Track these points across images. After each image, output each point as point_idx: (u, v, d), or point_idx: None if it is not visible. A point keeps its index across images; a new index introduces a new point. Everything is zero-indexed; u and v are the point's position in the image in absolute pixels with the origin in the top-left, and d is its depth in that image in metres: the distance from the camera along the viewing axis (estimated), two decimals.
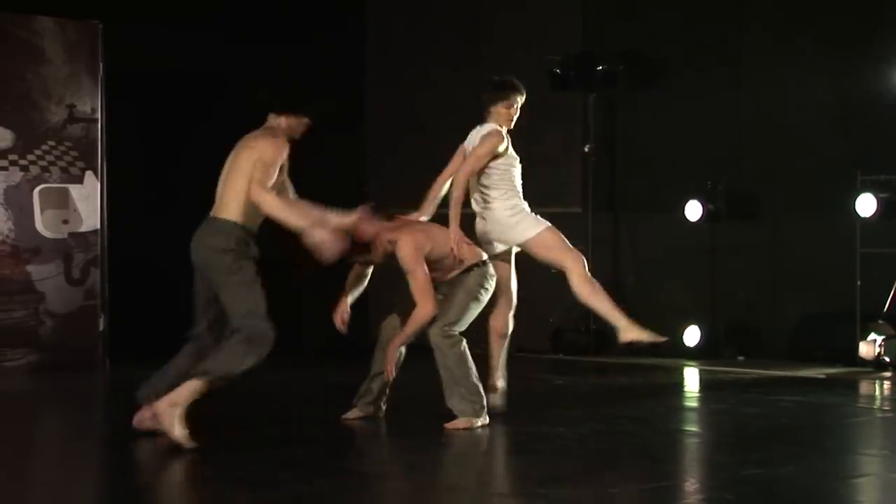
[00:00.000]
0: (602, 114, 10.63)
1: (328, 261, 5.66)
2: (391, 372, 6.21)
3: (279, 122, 5.97)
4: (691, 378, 9.06)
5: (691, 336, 10.11)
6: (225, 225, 5.76)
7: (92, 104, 9.26)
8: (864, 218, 9.27)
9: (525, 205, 6.56)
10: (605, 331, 10.67)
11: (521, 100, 6.57)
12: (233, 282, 5.67)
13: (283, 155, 5.84)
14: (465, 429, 6.03)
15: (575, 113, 10.63)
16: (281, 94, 6.07)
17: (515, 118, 6.59)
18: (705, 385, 8.58)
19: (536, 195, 10.60)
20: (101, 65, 9.26)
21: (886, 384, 8.38)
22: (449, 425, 6.06)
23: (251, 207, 5.73)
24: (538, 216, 6.55)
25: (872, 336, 8.97)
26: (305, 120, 6.00)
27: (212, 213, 5.88)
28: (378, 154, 11.49)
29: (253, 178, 5.69)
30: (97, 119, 9.28)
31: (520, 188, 6.57)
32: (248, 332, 5.60)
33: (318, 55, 10.43)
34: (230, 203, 5.77)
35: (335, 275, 6.36)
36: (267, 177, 5.71)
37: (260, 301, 5.67)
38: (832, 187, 9.51)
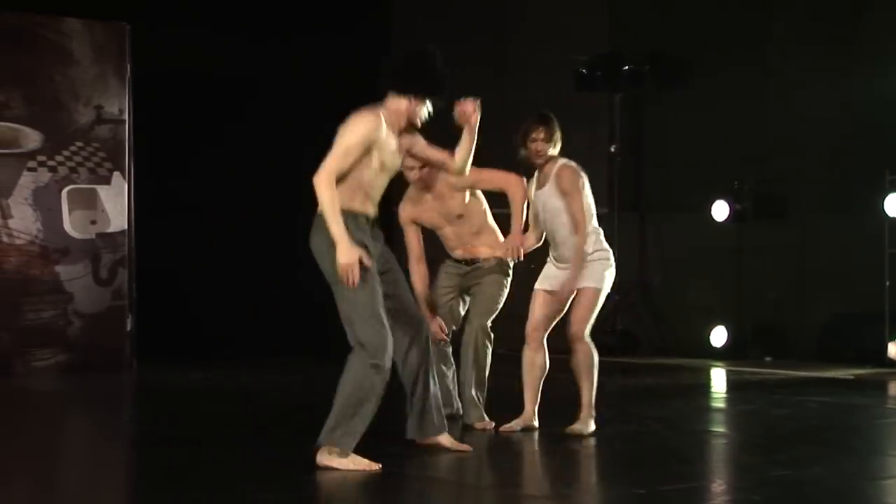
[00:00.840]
0: (628, 114, 10.62)
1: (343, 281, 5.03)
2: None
3: (399, 104, 5.21)
4: (718, 379, 9.04)
5: (718, 336, 10.09)
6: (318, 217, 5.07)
7: (119, 105, 9.29)
8: (893, 218, 9.22)
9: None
10: (632, 331, 10.71)
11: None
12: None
13: (371, 136, 5.09)
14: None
15: (601, 113, 10.62)
16: (405, 72, 5.25)
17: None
18: (732, 386, 8.56)
19: None
20: (128, 66, 9.29)
21: None
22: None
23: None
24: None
25: None
26: (426, 103, 5.24)
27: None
28: None
29: (325, 159, 5.03)
30: (125, 120, 9.31)
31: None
32: None
33: (342, 55, 10.44)
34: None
35: None
36: (337, 159, 5.04)
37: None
38: (860, 187, 9.47)
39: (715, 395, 8.32)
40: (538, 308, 6.02)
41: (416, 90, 5.20)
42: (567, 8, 10.89)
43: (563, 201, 5.92)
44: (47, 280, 9.01)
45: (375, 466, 5.05)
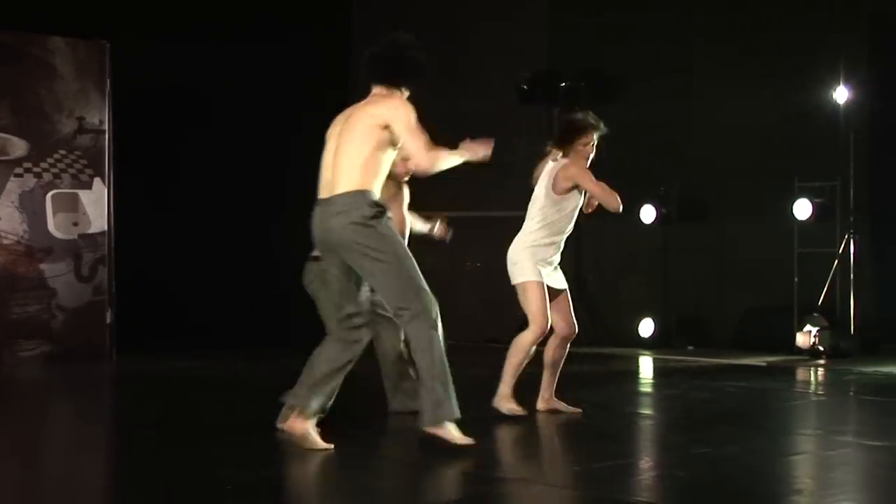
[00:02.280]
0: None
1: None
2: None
3: (393, 94, 5.05)
4: (646, 366, 9.11)
5: (646, 328, 10.16)
6: (350, 197, 4.85)
7: (100, 116, 9.23)
8: (801, 221, 9.36)
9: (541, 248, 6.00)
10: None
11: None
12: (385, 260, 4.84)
13: (414, 114, 4.91)
14: None
15: (541, 125, 10.67)
16: (399, 63, 5.05)
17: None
18: (658, 372, 8.63)
19: (506, 201, 10.68)
20: (108, 81, 9.24)
21: (821, 371, 8.45)
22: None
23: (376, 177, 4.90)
24: (536, 267, 5.97)
25: (808, 327, 9.06)
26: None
27: (328, 195, 4.94)
28: None
29: (409, 148, 4.85)
30: (105, 130, 9.25)
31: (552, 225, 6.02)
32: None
33: (307, 64, 10.44)
34: (350, 176, 4.88)
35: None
36: (420, 136, 4.86)
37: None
38: (773, 193, 9.59)
39: (643, 381, 8.39)
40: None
41: (404, 78, 5.06)
42: (511, 28, 10.93)
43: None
44: (32, 277, 8.93)
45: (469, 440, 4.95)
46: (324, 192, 5.00)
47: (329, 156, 5.03)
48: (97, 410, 7.08)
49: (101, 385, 8.33)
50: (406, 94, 5.10)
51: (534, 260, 5.97)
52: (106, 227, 9.25)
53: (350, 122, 4.98)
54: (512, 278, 6.02)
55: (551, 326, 6.05)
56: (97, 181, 9.24)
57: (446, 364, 4.98)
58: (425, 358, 4.89)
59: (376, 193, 4.94)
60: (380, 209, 4.90)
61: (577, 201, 6.09)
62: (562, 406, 6.25)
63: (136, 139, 9.61)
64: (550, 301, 6.03)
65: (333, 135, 5.06)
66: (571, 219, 6.10)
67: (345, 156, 4.92)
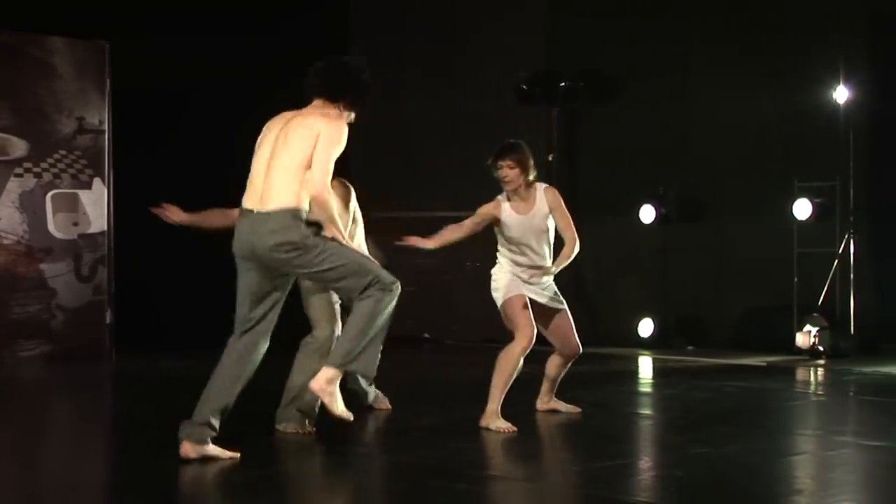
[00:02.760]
0: (565, 126, 10.67)
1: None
2: None
3: (331, 111, 4.98)
4: (645, 366, 9.11)
5: (645, 328, 10.16)
6: (285, 216, 4.79)
7: (100, 117, 9.24)
8: (801, 221, 9.36)
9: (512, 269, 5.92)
10: None
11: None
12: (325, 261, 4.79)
13: (344, 143, 4.85)
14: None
15: (540, 125, 10.67)
16: (345, 81, 4.99)
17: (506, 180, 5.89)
18: (657, 372, 8.64)
19: None
20: (108, 81, 9.24)
21: (820, 371, 8.46)
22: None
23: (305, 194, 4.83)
24: (512, 282, 5.88)
25: (808, 327, 9.05)
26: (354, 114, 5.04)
27: (259, 207, 4.86)
28: (359, 162, 11.47)
29: (316, 167, 4.77)
30: (104, 130, 9.26)
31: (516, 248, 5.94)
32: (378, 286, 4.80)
33: (306, 64, 10.44)
34: (285, 190, 4.81)
35: None
36: (330, 168, 4.80)
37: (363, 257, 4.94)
38: (772, 193, 9.59)
39: (642, 381, 8.39)
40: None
41: (347, 97, 4.98)
42: (510, 28, 10.93)
43: (551, 218, 5.90)
44: (33, 277, 8.94)
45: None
46: (253, 202, 4.90)
47: (261, 163, 4.94)
48: (97, 410, 7.09)
49: (100, 385, 8.34)
50: (350, 116, 5.03)
51: (507, 277, 5.89)
52: (106, 227, 9.26)
53: (286, 132, 4.90)
54: (497, 303, 5.96)
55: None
56: (97, 181, 9.24)
57: (382, 331, 4.90)
58: (365, 317, 4.82)
59: (307, 208, 4.86)
60: (313, 228, 4.85)
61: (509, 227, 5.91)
62: (561, 406, 6.26)
63: (136, 139, 9.61)
64: (548, 322, 5.98)
65: (267, 141, 4.97)
66: (522, 241, 5.89)
67: (280, 168, 4.84)
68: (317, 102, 5.02)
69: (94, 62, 9.23)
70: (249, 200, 4.93)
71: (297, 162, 4.82)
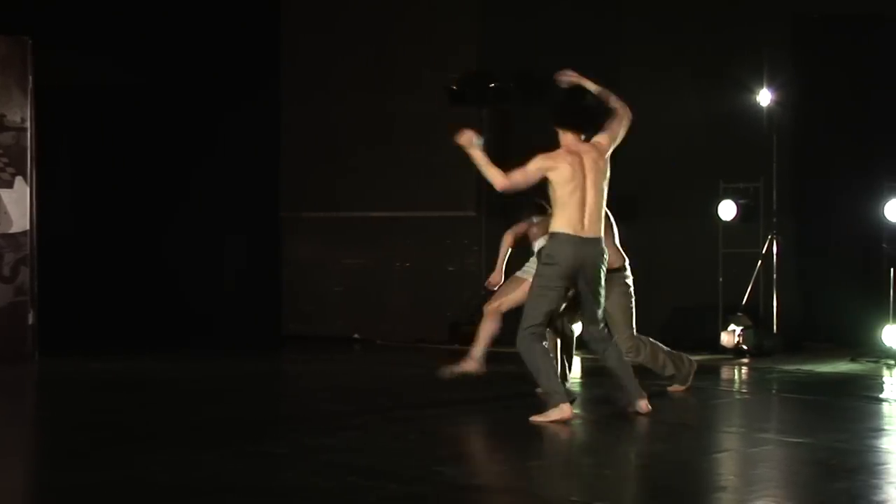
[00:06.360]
0: (496, 126, 10.72)
1: None
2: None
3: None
4: (574, 365, 9.16)
5: (575, 328, 10.22)
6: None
7: (22, 114, 9.06)
8: (726, 222, 9.51)
9: None
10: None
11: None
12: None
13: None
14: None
15: (471, 126, 10.69)
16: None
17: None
18: (586, 372, 8.69)
19: (436, 200, 10.70)
20: (30, 78, 9.07)
21: (744, 369, 8.60)
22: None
23: None
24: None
25: (732, 327, 9.20)
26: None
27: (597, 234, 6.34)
28: (289, 162, 11.41)
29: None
30: (27, 128, 9.08)
31: None
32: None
33: (232, 66, 10.36)
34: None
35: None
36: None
37: None
38: (697, 194, 9.72)
39: (572, 381, 8.43)
40: None
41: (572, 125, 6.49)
42: (441, 28, 10.94)
43: None
44: None
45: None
46: (592, 230, 6.34)
47: (589, 194, 6.39)
48: (18, 413, 6.96)
49: (23, 387, 8.19)
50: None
51: None
52: (28, 227, 9.08)
53: (594, 170, 6.44)
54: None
55: None
56: (19, 180, 9.06)
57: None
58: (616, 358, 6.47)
59: None
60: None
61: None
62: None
63: (59, 137, 9.47)
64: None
65: (588, 177, 6.47)
66: None
67: (599, 203, 6.41)
68: (573, 136, 6.68)
69: (16, 59, 9.04)
70: (591, 229, 6.52)
71: (602, 198, 6.71)
